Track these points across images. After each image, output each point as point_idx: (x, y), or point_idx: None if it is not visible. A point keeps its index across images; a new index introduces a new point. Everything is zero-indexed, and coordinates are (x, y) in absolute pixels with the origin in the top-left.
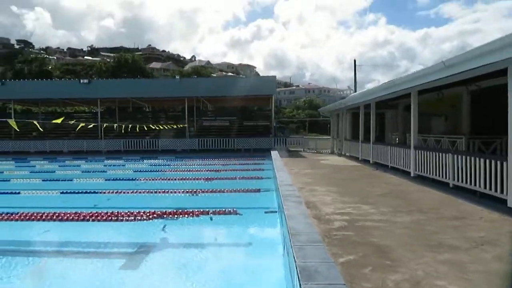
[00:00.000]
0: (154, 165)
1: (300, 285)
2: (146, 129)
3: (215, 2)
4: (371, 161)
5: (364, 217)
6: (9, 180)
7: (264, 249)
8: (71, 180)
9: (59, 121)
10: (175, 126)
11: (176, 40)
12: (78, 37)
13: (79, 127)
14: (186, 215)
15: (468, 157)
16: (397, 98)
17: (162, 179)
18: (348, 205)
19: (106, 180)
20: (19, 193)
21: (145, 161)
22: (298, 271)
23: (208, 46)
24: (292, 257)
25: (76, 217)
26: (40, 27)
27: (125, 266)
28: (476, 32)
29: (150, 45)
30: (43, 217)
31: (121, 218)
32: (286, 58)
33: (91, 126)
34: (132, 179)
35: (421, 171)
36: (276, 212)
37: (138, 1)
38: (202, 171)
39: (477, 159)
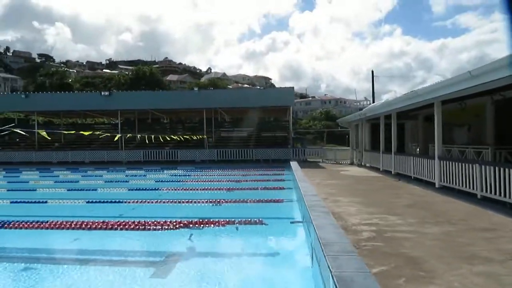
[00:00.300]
0: (175, 175)
1: None
2: (168, 139)
3: (231, 15)
4: (392, 172)
5: (392, 228)
6: (35, 190)
7: (292, 260)
8: (95, 190)
9: (87, 133)
10: (194, 137)
11: (192, 53)
12: (97, 50)
13: (103, 135)
14: (212, 225)
15: (498, 168)
16: (417, 108)
17: (184, 189)
18: (374, 215)
19: (129, 190)
20: (46, 202)
21: (165, 171)
22: (335, 281)
23: (223, 58)
24: (325, 267)
25: (104, 226)
26: (60, 42)
27: (155, 275)
28: (493, 42)
29: (166, 57)
30: (72, 226)
31: (148, 227)
32: (301, 70)
33: (116, 137)
34: (155, 189)
35: (447, 182)
36: (302, 222)
37: (155, 15)
38: (223, 181)
39: (510, 169)
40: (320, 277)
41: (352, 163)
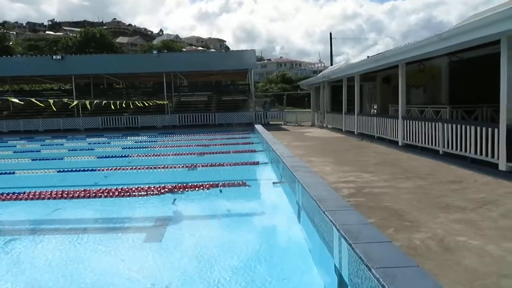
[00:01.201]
0: (141, 141)
1: (350, 245)
2: (129, 105)
3: None
4: (355, 132)
5: (369, 185)
6: None
7: (279, 218)
8: (62, 159)
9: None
10: (158, 102)
11: (142, 14)
12: (37, 10)
13: (74, 104)
14: (196, 189)
15: (459, 125)
16: (376, 71)
17: (155, 155)
18: (349, 174)
19: (98, 157)
20: (13, 173)
21: (128, 138)
22: (342, 233)
23: (175, 20)
24: (324, 222)
25: (87, 194)
26: None
27: (149, 239)
28: (440, 5)
29: (115, 19)
30: (53, 196)
31: (134, 193)
32: (255, 32)
33: (74, 103)
34: (124, 156)
35: (409, 140)
36: (282, 183)
37: None
38: (191, 146)
39: (470, 126)
40: (314, 231)
41: (313, 125)
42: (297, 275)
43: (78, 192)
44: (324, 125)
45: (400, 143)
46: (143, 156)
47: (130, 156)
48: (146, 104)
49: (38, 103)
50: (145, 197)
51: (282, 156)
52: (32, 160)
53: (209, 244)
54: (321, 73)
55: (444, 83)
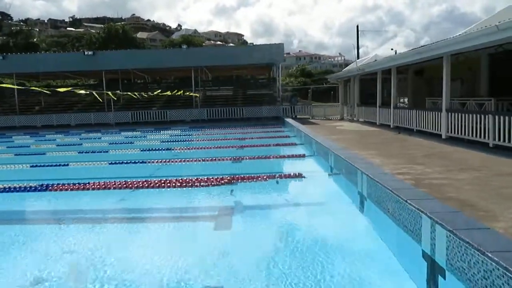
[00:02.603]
0: (176, 135)
1: (451, 232)
2: (161, 97)
3: None
4: (391, 126)
5: (425, 176)
6: (44, 154)
7: (341, 207)
8: (107, 152)
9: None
10: (190, 94)
11: (160, 9)
12: (58, 7)
13: (125, 95)
14: (254, 180)
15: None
16: (408, 64)
17: (196, 148)
18: (400, 165)
19: (141, 150)
20: (67, 165)
21: (161, 132)
22: (437, 221)
23: (193, 15)
24: (407, 210)
25: (147, 185)
26: None
27: (218, 227)
28: None
29: (134, 14)
30: (116, 186)
31: (196, 184)
32: (273, 25)
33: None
34: (168, 149)
35: (454, 133)
36: (338, 174)
37: None
38: (228, 139)
39: None
40: (387, 220)
41: (342, 119)
42: (373, 262)
43: (141, 183)
44: (355, 118)
45: (443, 136)
46: (186, 149)
47: (174, 149)
48: (181, 94)
49: (111, 95)
50: (206, 187)
51: (332, 148)
52: (79, 152)
53: (277, 232)
54: (349, 66)
55: (483, 75)
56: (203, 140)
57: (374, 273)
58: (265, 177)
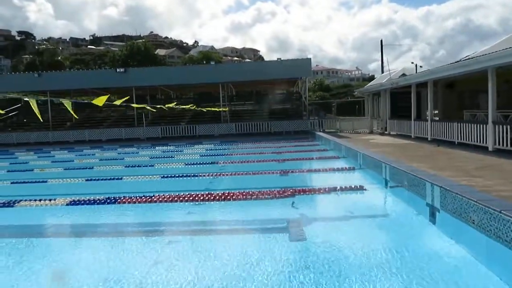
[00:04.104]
0: (211, 149)
1: None
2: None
3: None
4: (429, 138)
5: (490, 188)
6: (92, 168)
7: (408, 219)
8: (152, 166)
9: (175, 105)
10: (219, 109)
11: (177, 26)
12: (79, 26)
13: (178, 107)
14: (316, 192)
15: None
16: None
17: (240, 162)
18: (457, 178)
19: (186, 164)
20: (121, 178)
21: (195, 146)
22: None
23: (209, 31)
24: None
25: (212, 197)
26: (41, 18)
27: (293, 238)
28: (478, 8)
29: (152, 32)
30: (181, 199)
31: (260, 197)
32: (288, 41)
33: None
34: (212, 163)
35: (502, 145)
36: (400, 186)
37: None
38: (266, 153)
39: None
40: (469, 232)
41: (371, 132)
42: (461, 271)
43: (205, 196)
44: (386, 131)
45: (490, 148)
46: (230, 162)
47: (219, 163)
48: (219, 110)
49: (165, 108)
50: (269, 200)
51: (383, 160)
52: (125, 167)
53: (349, 244)
54: (376, 80)
55: None
56: (242, 154)
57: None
58: (326, 189)
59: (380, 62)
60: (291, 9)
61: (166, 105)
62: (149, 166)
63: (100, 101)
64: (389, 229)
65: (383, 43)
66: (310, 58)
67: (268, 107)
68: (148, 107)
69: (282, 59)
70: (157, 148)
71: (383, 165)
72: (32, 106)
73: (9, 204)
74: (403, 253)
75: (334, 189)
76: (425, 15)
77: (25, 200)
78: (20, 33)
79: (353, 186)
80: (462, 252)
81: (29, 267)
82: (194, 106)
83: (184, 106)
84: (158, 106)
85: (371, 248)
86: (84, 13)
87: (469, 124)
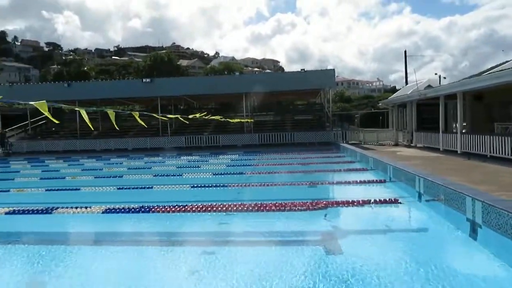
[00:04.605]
0: (237, 160)
1: None
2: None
3: None
4: (459, 151)
5: None
6: (122, 176)
7: (448, 235)
8: (180, 175)
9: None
10: (246, 121)
11: (198, 37)
12: (105, 37)
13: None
14: (349, 205)
15: None
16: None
17: (267, 173)
18: (498, 193)
19: (213, 174)
20: (151, 187)
21: (220, 156)
22: None
23: (229, 42)
24: None
25: (245, 208)
26: (68, 30)
27: (329, 252)
28: (502, 19)
29: (174, 43)
30: (214, 209)
31: (293, 208)
32: (308, 52)
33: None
34: (239, 173)
35: None
36: (437, 200)
37: (163, 1)
38: (292, 164)
39: None
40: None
41: (396, 144)
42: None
43: (238, 206)
44: (412, 144)
45: None
46: (257, 173)
47: (246, 173)
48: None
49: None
50: (301, 212)
51: (422, 174)
52: (154, 176)
53: (387, 259)
54: (400, 91)
55: None
56: (268, 164)
57: None
58: (360, 201)
59: (401, 73)
60: (311, 20)
61: (199, 115)
62: (178, 175)
63: (136, 115)
64: (428, 244)
65: (395, 54)
66: (334, 69)
67: (290, 117)
68: (180, 118)
69: (305, 69)
70: (182, 157)
71: (416, 178)
72: (84, 116)
73: (47, 211)
74: (444, 269)
75: (367, 202)
76: (448, 26)
77: (62, 207)
78: (48, 44)
79: (387, 199)
80: (507, 269)
81: (68, 274)
82: (222, 118)
83: (214, 117)
84: (191, 116)
85: (410, 263)
86: (109, 25)
87: (502, 137)
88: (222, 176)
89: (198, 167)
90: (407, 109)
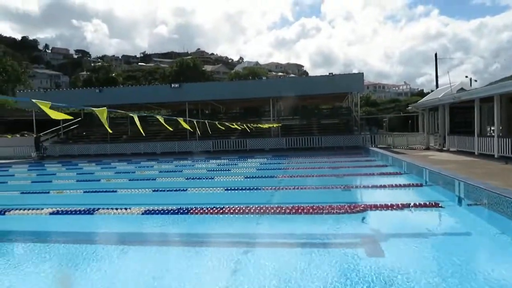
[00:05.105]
0: (266, 163)
1: None
2: (250, 128)
3: (260, 2)
4: (496, 155)
5: None
6: (155, 179)
7: (494, 240)
8: (212, 179)
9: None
10: (274, 125)
11: (223, 43)
12: (131, 44)
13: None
14: (388, 208)
15: None
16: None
17: (298, 176)
18: None
19: (245, 177)
20: (186, 190)
21: (248, 160)
22: None
23: (253, 47)
24: None
25: (282, 211)
26: (96, 37)
27: (370, 254)
28: None
29: (199, 49)
30: (252, 211)
31: (332, 211)
32: (332, 56)
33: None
34: (271, 177)
35: None
36: (480, 204)
37: (190, 8)
38: (323, 168)
39: None
40: None
41: (428, 148)
42: None
43: (275, 209)
44: (445, 148)
45: None
46: (288, 177)
47: (277, 177)
48: (274, 126)
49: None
50: (339, 215)
51: (462, 178)
52: (186, 179)
53: (432, 263)
54: (431, 95)
55: None
56: (299, 168)
57: None
58: (399, 205)
59: (428, 76)
60: (335, 23)
61: (240, 124)
62: (210, 178)
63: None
64: (472, 249)
65: (433, 57)
66: (363, 73)
67: (316, 121)
68: (219, 125)
69: (333, 73)
70: (211, 161)
71: (456, 182)
72: (136, 121)
73: (89, 212)
74: (490, 274)
75: (407, 206)
76: (478, 28)
77: (103, 208)
78: (77, 51)
79: (427, 203)
80: None
81: (111, 273)
82: (257, 124)
83: (249, 124)
84: (235, 123)
85: (455, 267)
86: (135, 32)
87: None
88: (254, 179)
89: (228, 170)
90: (439, 113)
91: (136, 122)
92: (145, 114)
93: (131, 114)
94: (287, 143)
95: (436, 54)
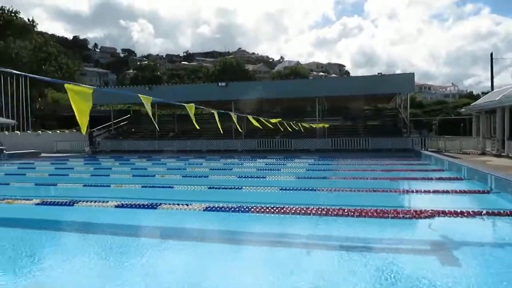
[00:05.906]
0: (315, 164)
1: None
2: (297, 128)
3: (302, 1)
4: None
5: None
6: (207, 177)
7: None
8: (264, 178)
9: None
10: (321, 126)
11: (263, 42)
12: (175, 44)
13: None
14: (458, 215)
15: None
16: None
17: (350, 178)
18: None
19: (297, 178)
20: (241, 188)
21: (295, 160)
22: None
23: (294, 47)
24: None
25: (345, 213)
26: (142, 37)
27: (445, 263)
28: None
29: (240, 48)
30: (313, 212)
31: (397, 215)
32: (375, 56)
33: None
34: (323, 178)
35: None
36: None
37: (232, 7)
38: (375, 170)
39: None
40: None
41: (483, 153)
42: None
43: (337, 210)
44: (504, 153)
45: None
46: (340, 178)
47: (329, 178)
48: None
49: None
50: (405, 219)
51: None
52: (238, 177)
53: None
54: (487, 96)
55: None
56: (349, 170)
57: None
58: (470, 212)
59: (477, 78)
60: (379, 23)
61: (295, 122)
62: (261, 178)
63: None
64: None
65: (483, 57)
66: (413, 73)
67: (362, 123)
68: (279, 124)
69: (382, 73)
70: (258, 160)
71: None
72: (216, 118)
73: (152, 206)
74: None
75: (479, 213)
76: None
77: (166, 204)
78: (123, 50)
79: (502, 211)
80: None
81: (177, 267)
82: (309, 125)
83: (305, 124)
84: (293, 122)
85: None
86: (179, 32)
87: None
88: (307, 179)
89: (278, 170)
90: (497, 116)
91: (216, 119)
92: (223, 111)
93: (213, 111)
94: (332, 143)
95: (491, 54)
